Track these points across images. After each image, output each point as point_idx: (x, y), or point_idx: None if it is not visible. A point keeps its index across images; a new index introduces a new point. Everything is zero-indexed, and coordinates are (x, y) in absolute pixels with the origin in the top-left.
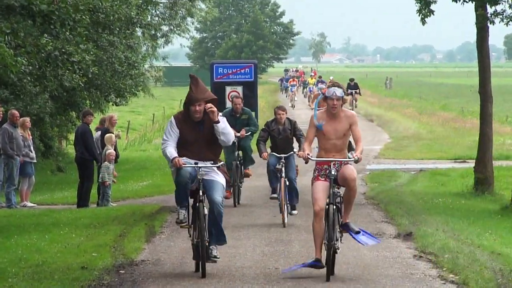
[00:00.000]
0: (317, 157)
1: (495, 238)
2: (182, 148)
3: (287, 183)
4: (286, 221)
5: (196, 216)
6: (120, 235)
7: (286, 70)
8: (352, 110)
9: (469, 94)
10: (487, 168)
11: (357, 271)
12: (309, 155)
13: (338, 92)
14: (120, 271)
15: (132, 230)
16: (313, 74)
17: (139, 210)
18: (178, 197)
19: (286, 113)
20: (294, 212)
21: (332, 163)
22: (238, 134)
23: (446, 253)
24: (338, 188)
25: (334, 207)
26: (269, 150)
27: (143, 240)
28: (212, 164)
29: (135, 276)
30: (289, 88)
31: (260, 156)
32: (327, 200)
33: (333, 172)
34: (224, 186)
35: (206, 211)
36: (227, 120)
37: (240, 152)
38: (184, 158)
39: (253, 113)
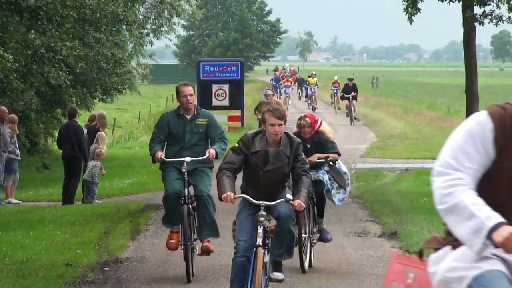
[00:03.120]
0: None
1: None
2: None
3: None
4: None
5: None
6: (105, 232)
7: (276, 70)
8: (351, 119)
9: (456, 93)
10: None
11: (342, 269)
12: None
13: None
14: (105, 268)
15: (117, 228)
16: (299, 74)
17: (124, 208)
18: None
19: (285, 123)
20: (278, 275)
21: None
22: (188, 160)
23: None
24: None
25: None
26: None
27: (128, 237)
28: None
29: (120, 274)
30: (283, 90)
31: (220, 198)
32: None
33: None
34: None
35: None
36: (169, 123)
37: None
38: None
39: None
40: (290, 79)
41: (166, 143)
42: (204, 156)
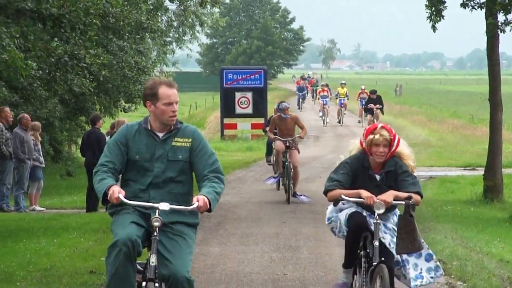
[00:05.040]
0: None
1: (504, 246)
2: None
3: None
4: None
5: None
6: None
7: (305, 78)
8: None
9: (479, 101)
10: (497, 175)
11: None
12: None
13: None
14: None
15: None
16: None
17: None
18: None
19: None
20: None
21: None
22: (165, 207)
23: (454, 260)
24: None
25: None
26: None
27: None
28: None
29: None
30: (321, 100)
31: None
32: None
33: None
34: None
35: None
36: (129, 143)
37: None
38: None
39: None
40: (326, 88)
41: (121, 176)
42: (190, 206)
